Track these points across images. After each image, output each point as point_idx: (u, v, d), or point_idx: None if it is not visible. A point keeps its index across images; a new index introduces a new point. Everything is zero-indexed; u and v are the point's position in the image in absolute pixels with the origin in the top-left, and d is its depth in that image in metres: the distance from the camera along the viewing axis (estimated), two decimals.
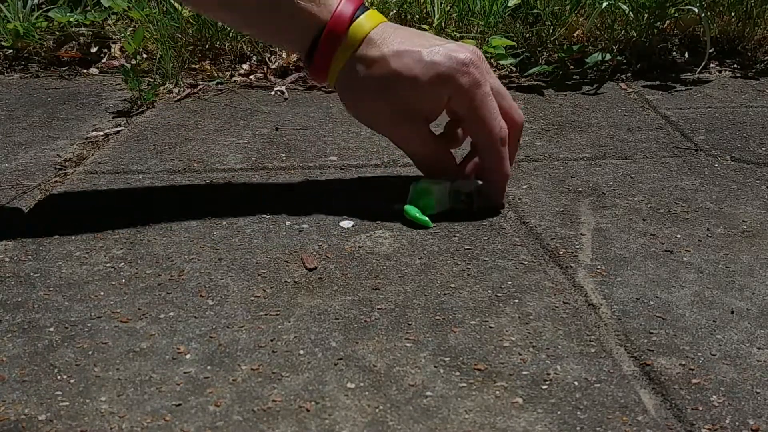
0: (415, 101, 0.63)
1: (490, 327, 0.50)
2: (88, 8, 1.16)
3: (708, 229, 0.64)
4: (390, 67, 0.61)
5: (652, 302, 0.53)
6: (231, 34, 1.11)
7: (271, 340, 0.49)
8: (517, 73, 1.08)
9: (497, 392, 0.44)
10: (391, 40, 0.62)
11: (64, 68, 1.13)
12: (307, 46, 0.64)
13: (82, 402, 0.43)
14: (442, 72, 0.61)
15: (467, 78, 0.61)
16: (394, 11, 1.15)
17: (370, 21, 0.63)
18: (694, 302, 0.53)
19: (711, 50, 1.11)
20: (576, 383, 0.45)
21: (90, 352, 0.47)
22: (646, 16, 1.11)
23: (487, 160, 0.64)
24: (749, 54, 1.16)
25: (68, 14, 1.13)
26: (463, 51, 0.62)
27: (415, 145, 0.66)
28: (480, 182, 0.65)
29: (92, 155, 0.79)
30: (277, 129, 0.88)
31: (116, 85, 1.05)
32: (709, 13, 1.15)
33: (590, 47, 1.12)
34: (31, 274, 0.56)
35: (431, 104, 0.63)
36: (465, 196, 0.65)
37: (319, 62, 0.63)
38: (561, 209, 0.67)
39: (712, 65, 1.15)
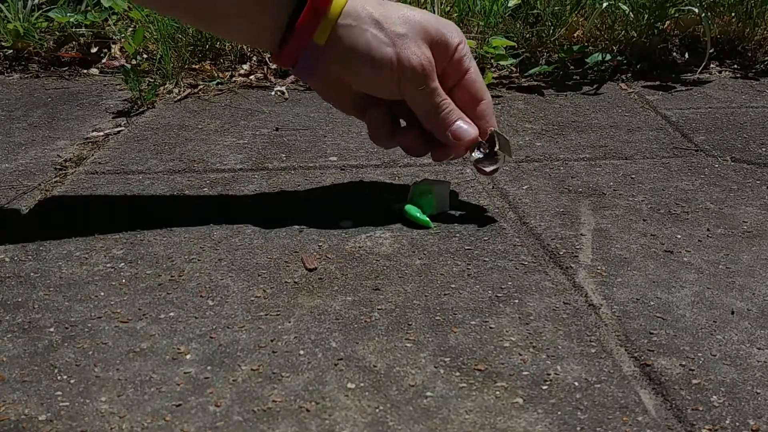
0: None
1: (491, 327, 0.50)
2: (88, 8, 1.16)
3: (708, 230, 0.64)
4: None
5: (652, 302, 0.53)
6: None
7: (272, 341, 0.49)
8: (518, 74, 1.08)
9: (497, 392, 0.44)
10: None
11: (64, 68, 1.13)
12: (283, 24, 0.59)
13: (82, 402, 0.43)
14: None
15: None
16: None
17: None
18: (695, 302, 0.53)
19: (711, 50, 1.11)
20: (576, 383, 0.45)
21: (90, 352, 0.47)
22: (646, 16, 1.11)
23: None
24: (749, 54, 1.16)
25: (68, 14, 1.13)
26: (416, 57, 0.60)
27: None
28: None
29: (92, 155, 0.79)
30: (277, 129, 0.88)
31: (116, 85, 1.05)
32: (709, 14, 1.15)
33: (590, 47, 1.12)
34: (31, 274, 0.56)
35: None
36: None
37: (302, 33, 0.59)
38: (561, 209, 0.67)
39: (712, 65, 1.15)
